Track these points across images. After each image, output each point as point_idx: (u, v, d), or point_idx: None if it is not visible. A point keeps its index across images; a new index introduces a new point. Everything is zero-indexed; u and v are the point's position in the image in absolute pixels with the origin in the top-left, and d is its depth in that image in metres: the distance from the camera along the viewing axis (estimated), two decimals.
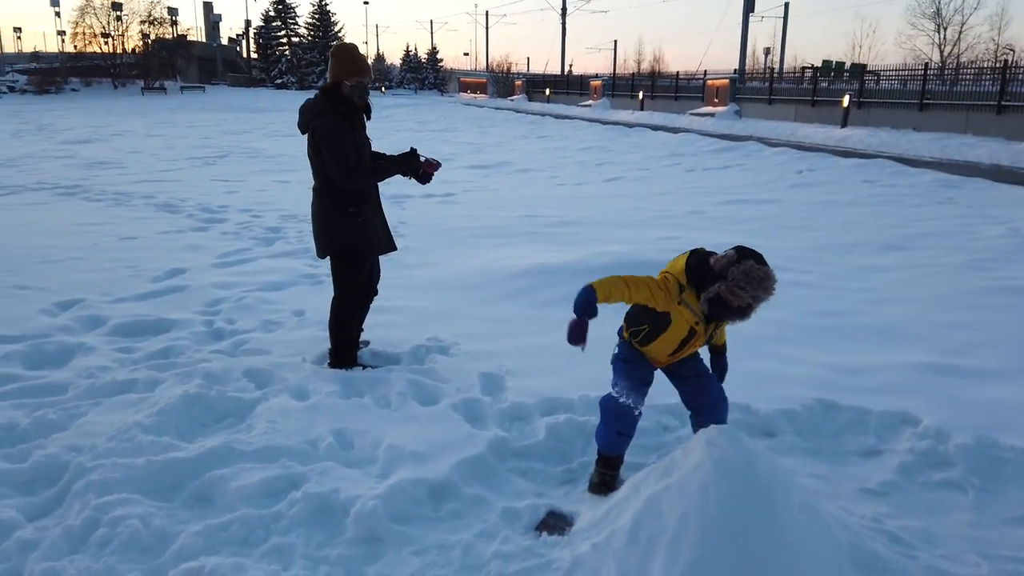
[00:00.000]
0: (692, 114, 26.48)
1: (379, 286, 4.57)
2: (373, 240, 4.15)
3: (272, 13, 61.63)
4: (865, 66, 24.36)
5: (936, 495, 3.04)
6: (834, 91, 22.88)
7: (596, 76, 40.29)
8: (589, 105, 34.50)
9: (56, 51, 55.95)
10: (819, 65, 25.46)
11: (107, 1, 52.31)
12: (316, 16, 62.54)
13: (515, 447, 3.38)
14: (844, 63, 25.45)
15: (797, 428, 3.56)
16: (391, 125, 27.65)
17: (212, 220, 9.13)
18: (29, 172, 13.96)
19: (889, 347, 4.53)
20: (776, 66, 42.03)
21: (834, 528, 2.54)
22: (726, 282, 2.65)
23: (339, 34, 63.31)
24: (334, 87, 3.96)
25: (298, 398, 3.85)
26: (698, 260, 2.81)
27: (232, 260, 7.01)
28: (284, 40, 62.31)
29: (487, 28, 65.01)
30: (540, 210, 9.39)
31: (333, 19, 63.17)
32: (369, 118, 4.18)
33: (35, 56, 57.18)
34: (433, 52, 69.26)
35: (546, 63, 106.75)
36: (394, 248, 4.37)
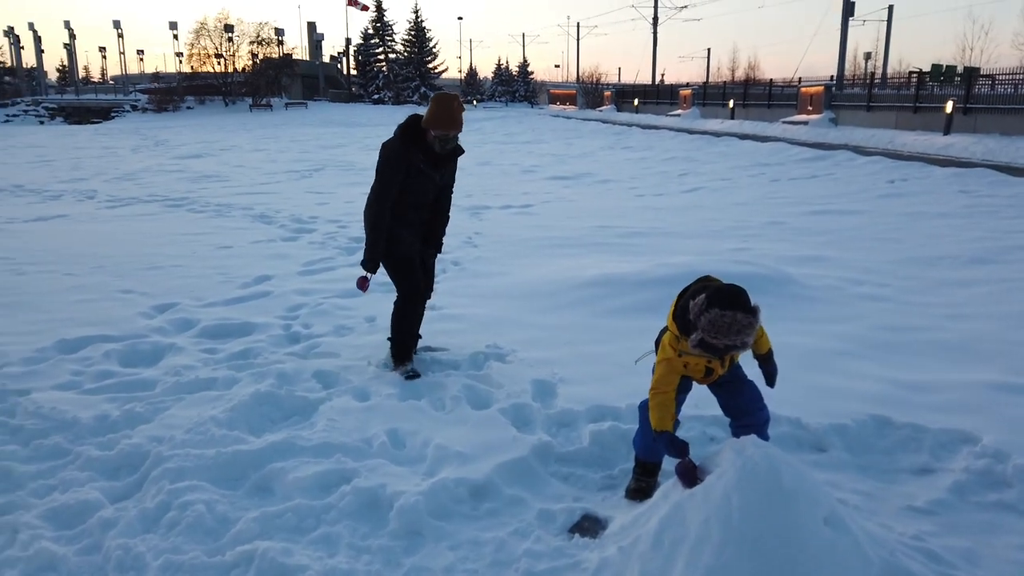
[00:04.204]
0: (784, 122, 25.75)
1: (448, 295, 4.76)
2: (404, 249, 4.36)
3: (371, 31, 63.85)
4: (978, 69, 23.05)
5: (988, 516, 2.94)
6: (938, 96, 21.76)
7: (687, 85, 39.73)
8: (678, 115, 34.07)
9: (174, 71, 59.65)
10: (928, 69, 24.26)
11: (220, 24, 55.52)
12: (412, 33, 64.40)
13: (559, 452, 3.47)
14: (955, 67, 24.13)
15: (848, 444, 3.50)
16: (480, 138, 28.16)
17: (302, 230, 9.61)
18: (144, 185, 15.02)
19: (958, 364, 4.36)
20: (879, 71, 40.35)
21: (864, 543, 2.51)
22: (699, 332, 2.66)
23: (434, 49, 64.97)
24: (420, 127, 4.12)
25: (359, 399, 4.07)
26: (681, 309, 2.82)
27: (315, 268, 7.39)
28: (382, 57, 64.43)
29: (578, 40, 65.25)
30: (614, 221, 9.42)
31: (428, 35, 64.91)
32: (453, 159, 4.33)
33: (156, 76, 61.09)
34: (524, 65, 70.09)
35: (636, 73, 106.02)
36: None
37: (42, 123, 48.26)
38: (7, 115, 49.82)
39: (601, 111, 44.28)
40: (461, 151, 4.37)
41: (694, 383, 3.12)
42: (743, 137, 23.71)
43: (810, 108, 25.62)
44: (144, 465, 3.38)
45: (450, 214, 4.67)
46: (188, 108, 52.75)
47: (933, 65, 24.02)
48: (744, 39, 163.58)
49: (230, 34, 55.72)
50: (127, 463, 3.44)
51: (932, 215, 9.44)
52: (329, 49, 72.23)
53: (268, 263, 7.55)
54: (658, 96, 42.10)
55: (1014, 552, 2.71)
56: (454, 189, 4.64)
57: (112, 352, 4.89)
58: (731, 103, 31.32)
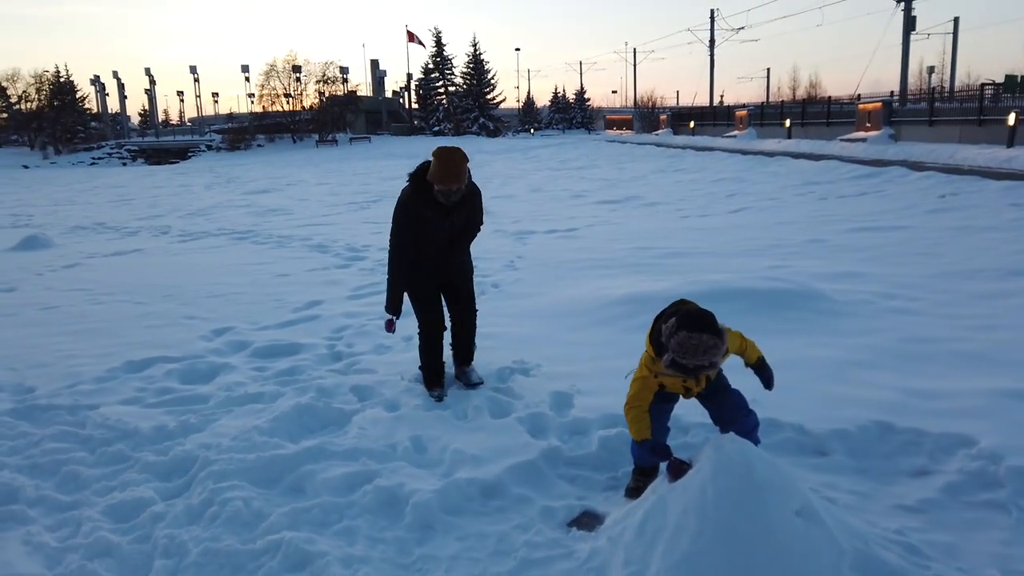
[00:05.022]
0: (842, 140, 25.36)
1: (485, 315, 4.97)
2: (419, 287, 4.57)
3: (431, 65, 65.74)
4: None
5: (976, 514, 3.03)
6: (1003, 109, 21.14)
7: (743, 106, 39.49)
8: (734, 136, 33.89)
9: (246, 112, 62.52)
10: (1001, 81, 23.58)
11: (288, 65, 58.08)
12: (471, 65, 65.94)
13: (568, 456, 3.70)
14: None
15: (849, 448, 3.61)
16: (534, 165, 28.64)
17: (355, 258, 10.09)
18: (214, 220, 15.90)
19: (975, 373, 4.39)
20: (946, 85, 39.28)
21: (837, 534, 2.66)
22: (670, 353, 2.85)
23: (492, 80, 66.31)
24: (427, 179, 4.26)
25: (389, 410, 4.38)
26: (656, 331, 3.02)
27: (363, 292, 7.80)
28: (442, 90, 66.12)
29: (635, 65, 65.69)
30: (656, 242, 9.59)
31: (486, 67, 66.34)
32: (467, 204, 4.42)
33: (230, 117, 64.18)
34: (580, 92, 70.93)
35: (694, 96, 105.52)
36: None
37: (125, 164, 51.21)
38: (93, 158, 53.08)
39: (657, 135, 44.36)
40: (477, 193, 4.51)
41: (680, 396, 3.32)
42: (797, 156, 23.47)
43: (868, 125, 25.18)
44: (193, 468, 3.75)
45: (474, 257, 4.73)
46: (259, 146, 55.13)
47: (1007, 76, 23.32)
48: (804, 58, 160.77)
49: (298, 74, 58.20)
50: (179, 466, 3.82)
51: (978, 229, 9.28)
52: (392, 84, 74.56)
53: (320, 289, 8.00)
54: (715, 118, 41.95)
55: (995, 546, 2.80)
56: (481, 227, 4.73)
57: (173, 371, 5.35)
58: (787, 122, 31.01)
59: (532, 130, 64.61)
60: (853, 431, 3.68)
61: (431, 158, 4.30)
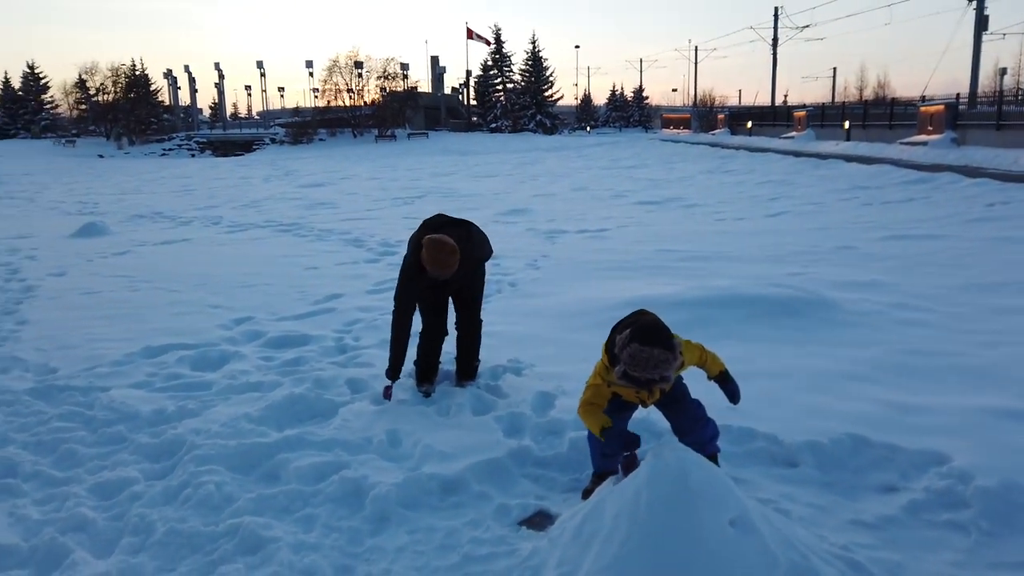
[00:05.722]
0: (902, 143, 24.50)
1: (493, 313, 5.00)
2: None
3: (490, 62, 66.07)
4: None
5: (934, 534, 2.96)
6: None
7: (803, 106, 38.52)
8: (792, 137, 33.07)
9: (311, 106, 63.89)
10: None
11: (351, 61, 59.11)
12: (529, 63, 66.01)
13: (536, 456, 3.74)
14: None
15: (819, 461, 3.55)
16: (584, 163, 28.56)
17: (386, 253, 10.27)
18: (264, 212, 16.35)
19: (968, 389, 4.25)
20: (1023, 87, 37.51)
21: (773, 545, 2.63)
22: (622, 365, 2.85)
23: (550, 78, 66.27)
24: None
25: (376, 403, 4.48)
26: (612, 340, 3.02)
27: (384, 287, 7.94)
28: (500, 87, 66.38)
29: (695, 63, 64.62)
30: (681, 245, 9.50)
31: (545, 64, 66.33)
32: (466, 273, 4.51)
33: (296, 111, 65.72)
34: (639, 90, 70.31)
35: (755, 95, 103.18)
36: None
37: (193, 156, 52.94)
38: (164, 149, 55.04)
39: (713, 135, 43.63)
40: (473, 271, 4.59)
41: (639, 405, 3.32)
42: (851, 159, 22.80)
43: (930, 128, 24.28)
44: (180, 452, 3.92)
45: (481, 317, 4.81)
46: (320, 140, 56.27)
47: None
48: (873, 57, 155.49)
49: (360, 70, 59.15)
50: (167, 449, 4.00)
51: (1018, 240, 8.87)
52: (451, 81, 75.10)
53: (343, 283, 8.19)
54: (774, 118, 41.02)
55: (947, 568, 2.74)
56: (484, 293, 4.82)
57: (185, 358, 5.57)
58: (846, 124, 30.13)
59: (588, 128, 64.32)
60: (826, 444, 3.61)
61: (421, 232, 4.41)
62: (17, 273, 9.30)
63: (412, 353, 4.71)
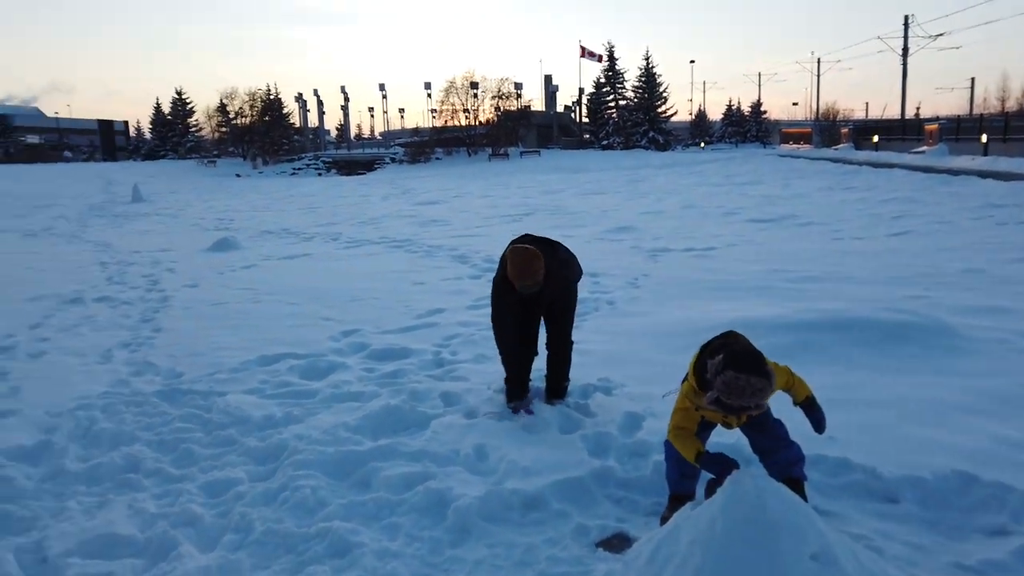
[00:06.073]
0: None
1: (589, 332, 5.05)
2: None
3: (603, 80, 66.11)
4: None
5: None
6: None
7: (936, 119, 36.19)
8: (922, 151, 31.12)
9: (428, 127, 66.10)
10: None
11: (467, 82, 60.77)
12: (642, 79, 65.53)
13: (619, 477, 3.72)
14: None
15: (922, 497, 3.35)
16: (696, 180, 28.00)
17: (489, 269, 10.45)
18: (380, 229, 17.01)
19: None
20: None
21: None
22: (714, 391, 2.79)
23: (663, 94, 65.53)
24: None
25: (467, 417, 4.60)
26: (701, 365, 2.96)
27: (483, 303, 8.07)
28: (612, 103, 66.24)
29: (818, 76, 62.13)
30: (792, 265, 9.15)
31: (658, 80, 65.63)
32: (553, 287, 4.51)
33: (415, 131, 68.20)
34: (757, 104, 68.26)
35: (883, 108, 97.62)
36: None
37: (320, 175, 55.83)
38: (294, 168, 58.36)
39: (836, 149, 41.74)
40: (565, 284, 4.59)
41: (720, 425, 3.25)
42: (986, 176, 21.20)
43: None
44: (283, 455, 4.16)
45: (573, 339, 4.81)
46: (437, 159, 58.08)
47: None
48: (1017, 66, 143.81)
49: (475, 90, 60.71)
50: (272, 453, 4.25)
51: None
52: (564, 99, 75.64)
53: (446, 298, 8.42)
54: (903, 132, 38.80)
55: None
56: (575, 313, 4.81)
57: (296, 367, 5.90)
58: (984, 137, 28.07)
59: (702, 144, 63.01)
60: (930, 479, 3.41)
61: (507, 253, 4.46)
62: (157, 284, 10.11)
63: (494, 368, 4.78)
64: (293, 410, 4.87)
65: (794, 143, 51.84)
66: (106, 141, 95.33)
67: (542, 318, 4.79)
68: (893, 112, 53.95)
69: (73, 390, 5.40)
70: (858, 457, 3.63)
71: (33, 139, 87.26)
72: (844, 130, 44.73)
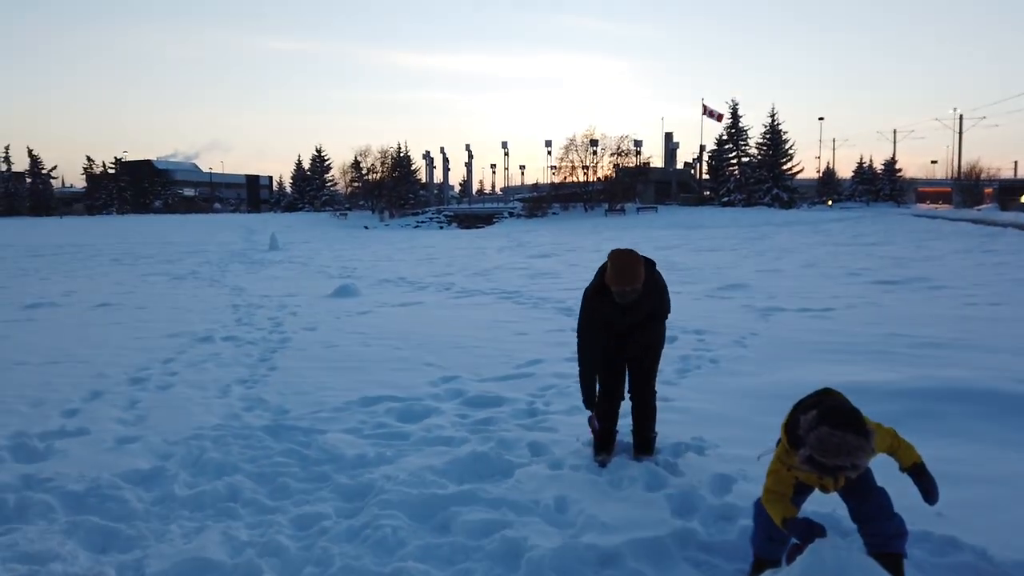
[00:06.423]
0: None
1: (688, 389, 4.95)
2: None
3: (725, 136, 65.28)
4: None
5: None
6: None
7: None
8: None
9: (547, 183, 67.28)
10: None
11: (587, 139, 61.58)
12: (767, 136, 64.18)
13: (702, 540, 3.58)
14: None
15: None
16: (820, 239, 26.90)
17: None
18: (491, 280, 17.35)
19: None
20: None
21: None
22: (807, 448, 2.65)
23: (789, 151, 63.79)
24: (605, 282, 4.42)
25: (551, 467, 4.57)
26: (793, 422, 2.83)
27: None
28: (734, 160, 65.13)
29: (960, 132, 58.65)
30: (916, 329, 8.57)
31: (784, 136, 64.06)
32: (646, 301, 4.51)
33: (534, 187, 69.59)
34: (891, 161, 64.97)
35: None
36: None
37: (441, 228, 57.76)
38: (417, 221, 60.71)
39: (979, 210, 39.04)
40: (659, 290, 4.56)
41: (817, 489, 3.07)
42: None
43: None
44: (370, 494, 4.28)
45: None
46: (554, 214, 58.80)
47: None
48: None
49: (595, 148, 61.35)
50: (360, 491, 4.37)
51: None
52: (685, 156, 75.11)
53: (546, 349, 8.44)
54: None
55: None
56: (669, 312, 4.75)
57: (393, 409, 6.07)
58: None
59: (830, 201, 60.59)
60: None
61: (605, 264, 4.46)
62: (280, 326, 10.71)
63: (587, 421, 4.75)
64: (386, 451, 5.01)
65: (931, 203, 48.99)
66: (252, 194, 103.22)
67: (627, 365, 4.72)
68: None
69: (191, 421, 5.79)
70: (968, 536, 3.33)
71: (189, 191, 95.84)
72: (988, 189, 41.85)
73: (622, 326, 4.58)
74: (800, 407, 2.96)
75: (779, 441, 3.11)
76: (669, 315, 4.78)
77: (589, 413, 4.66)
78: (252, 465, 4.88)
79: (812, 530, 2.82)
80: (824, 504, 3.52)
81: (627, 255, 4.35)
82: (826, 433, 2.64)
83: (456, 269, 20.49)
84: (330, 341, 9.38)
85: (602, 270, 4.49)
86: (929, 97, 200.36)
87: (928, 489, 2.97)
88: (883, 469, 3.06)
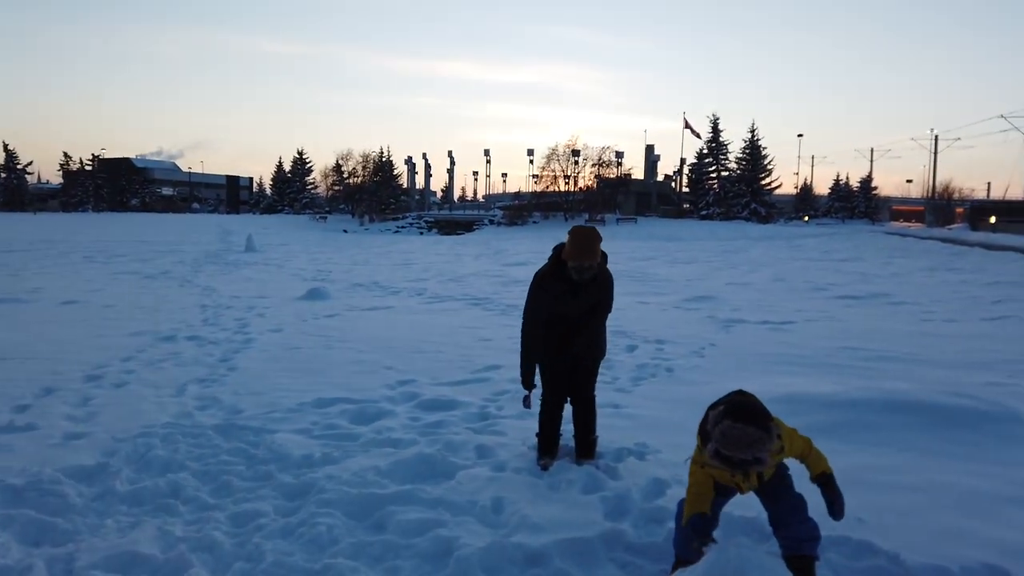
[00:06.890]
0: None
1: (639, 396, 5.02)
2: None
3: (705, 151, 65.92)
4: None
5: None
6: None
7: None
8: None
9: (529, 191, 67.48)
10: None
11: (568, 149, 61.87)
12: (747, 151, 64.89)
13: (630, 541, 3.66)
14: None
15: None
16: (793, 255, 27.24)
17: None
18: (464, 286, 17.37)
19: None
20: None
21: None
22: (713, 442, 2.74)
23: (768, 166, 64.55)
24: (561, 258, 4.55)
25: (494, 470, 4.63)
26: (704, 418, 2.93)
27: None
28: (714, 174, 65.77)
29: (935, 153, 59.63)
30: (870, 343, 8.75)
31: (763, 152, 64.78)
32: (598, 285, 4.61)
33: (516, 195, 69.79)
34: (867, 179, 66.02)
35: (1005, 189, 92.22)
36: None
37: (421, 233, 57.63)
38: (397, 226, 60.57)
39: (949, 229, 39.73)
40: (610, 281, 4.70)
41: (737, 492, 3.16)
42: None
43: None
44: (311, 493, 4.31)
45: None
46: (534, 222, 58.95)
47: None
48: None
49: (576, 158, 61.67)
50: (302, 490, 4.40)
51: None
52: (666, 168, 75.71)
53: (506, 355, 8.46)
54: None
55: None
56: (611, 309, 4.84)
57: (347, 411, 6.10)
58: None
59: (806, 217, 61.31)
60: (955, 572, 3.18)
61: (559, 243, 4.58)
62: (246, 327, 10.67)
63: (534, 425, 4.83)
64: (333, 452, 5.04)
65: (905, 221, 49.76)
66: (231, 195, 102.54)
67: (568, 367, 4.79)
68: (1016, 193, 51.05)
69: (141, 419, 5.78)
70: (884, 542, 3.44)
71: (168, 191, 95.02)
72: (960, 210, 42.63)
73: (569, 310, 4.64)
74: (712, 406, 3.06)
75: None
76: (609, 314, 4.87)
77: (526, 392, 4.77)
78: (198, 463, 4.89)
79: (704, 537, 2.89)
80: (750, 508, 3.62)
81: (588, 231, 4.47)
82: (728, 426, 2.74)
83: (431, 275, 20.49)
84: (293, 343, 9.37)
85: (558, 248, 4.57)
86: (905, 117, 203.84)
87: (833, 500, 3.05)
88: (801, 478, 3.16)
